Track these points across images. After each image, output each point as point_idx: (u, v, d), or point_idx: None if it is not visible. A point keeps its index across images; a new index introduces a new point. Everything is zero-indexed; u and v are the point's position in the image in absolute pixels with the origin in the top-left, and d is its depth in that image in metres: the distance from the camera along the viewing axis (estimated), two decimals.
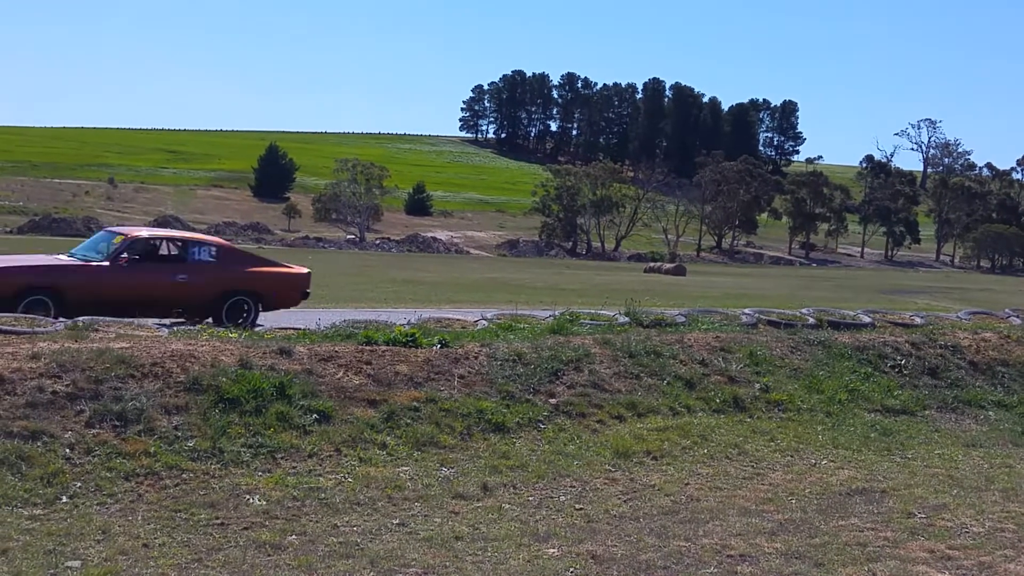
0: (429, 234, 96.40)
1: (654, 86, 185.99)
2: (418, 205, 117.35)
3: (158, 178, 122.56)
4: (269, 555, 6.86)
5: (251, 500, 7.91)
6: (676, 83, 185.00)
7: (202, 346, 10.35)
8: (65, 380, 9.00)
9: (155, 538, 6.98)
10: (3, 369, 8.94)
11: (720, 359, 12.98)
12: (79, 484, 7.77)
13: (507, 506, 8.32)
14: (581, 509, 8.37)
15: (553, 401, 11.04)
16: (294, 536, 7.27)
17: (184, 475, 8.21)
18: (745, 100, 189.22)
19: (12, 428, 8.23)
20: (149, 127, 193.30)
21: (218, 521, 7.43)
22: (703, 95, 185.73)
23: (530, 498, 8.60)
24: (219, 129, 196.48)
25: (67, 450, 8.18)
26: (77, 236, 70.42)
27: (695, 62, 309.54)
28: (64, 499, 7.52)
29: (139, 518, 7.35)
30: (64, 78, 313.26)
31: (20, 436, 8.16)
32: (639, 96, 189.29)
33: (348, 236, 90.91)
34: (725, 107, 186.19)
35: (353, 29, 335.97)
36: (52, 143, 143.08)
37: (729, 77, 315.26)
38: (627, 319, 14.55)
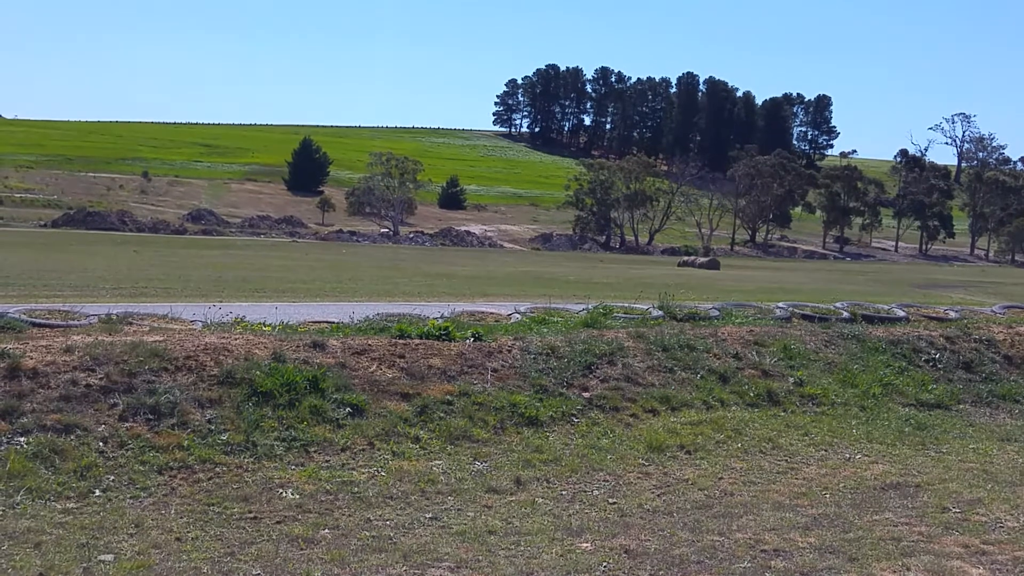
0: (463, 228, 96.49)
1: (688, 80, 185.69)
2: (451, 199, 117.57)
3: (192, 172, 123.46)
4: (302, 549, 6.85)
5: (284, 494, 7.92)
6: (710, 77, 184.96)
7: (236, 339, 10.37)
8: (99, 373, 9.04)
9: (188, 532, 6.99)
10: (37, 362, 8.99)
11: (754, 353, 12.88)
12: (112, 478, 7.81)
13: (540, 500, 8.29)
14: (614, 503, 8.31)
15: (586, 395, 10.99)
16: (327, 530, 7.26)
17: (217, 469, 8.22)
18: (779, 94, 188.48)
19: (46, 421, 8.27)
20: (184, 121, 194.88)
21: (251, 515, 7.44)
22: (737, 89, 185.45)
23: (563, 492, 8.56)
24: (253, 123, 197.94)
25: (100, 443, 8.21)
26: (111, 230, 71.29)
27: (729, 56, 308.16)
28: (97, 492, 7.55)
29: (172, 512, 7.37)
30: (99, 72, 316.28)
31: (54, 429, 8.20)
32: (673, 90, 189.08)
33: (382, 230, 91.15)
34: (759, 101, 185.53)
35: (387, 23, 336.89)
36: (87, 137, 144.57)
37: (763, 71, 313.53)
38: (661, 313, 14.47)
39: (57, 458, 7.87)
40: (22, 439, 8.01)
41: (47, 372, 8.90)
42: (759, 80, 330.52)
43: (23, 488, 7.37)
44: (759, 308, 15.87)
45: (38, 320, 10.89)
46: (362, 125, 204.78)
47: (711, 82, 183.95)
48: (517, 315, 14.22)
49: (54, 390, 8.68)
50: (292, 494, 7.93)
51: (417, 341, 11.39)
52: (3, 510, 7.02)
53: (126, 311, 12.00)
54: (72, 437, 8.18)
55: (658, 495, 8.64)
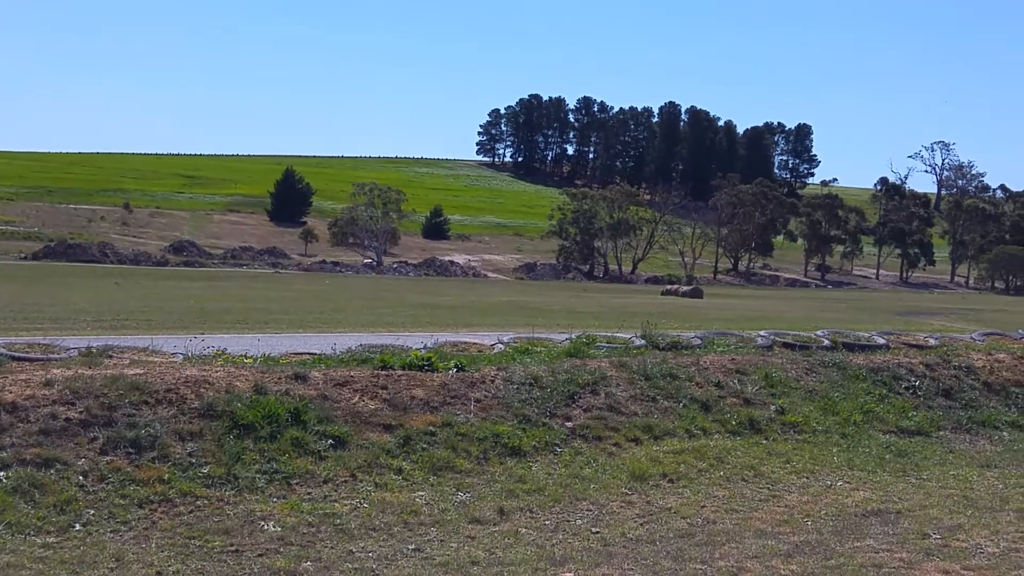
0: (446, 258, 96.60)
1: (670, 110, 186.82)
2: (435, 229, 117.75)
3: (174, 203, 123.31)
4: None
5: (266, 526, 7.89)
6: (692, 107, 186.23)
7: (217, 372, 10.35)
8: (78, 407, 8.99)
9: (169, 565, 6.96)
10: (16, 396, 8.95)
11: (736, 381, 12.94)
12: (92, 511, 7.77)
13: (524, 530, 8.28)
14: (598, 532, 8.32)
15: (569, 424, 11.01)
16: (309, 563, 7.24)
17: (198, 502, 8.19)
18: (760, 123, 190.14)
19: (25, 455, 8.23)
20: (165, 152, 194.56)
21: (232, 548, 7.41)
22: (718, 119, 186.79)
23: (547, 522, 8.56)
24: (235, 154, 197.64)
25: (80, 477, 8.17)
26: (93, 262, 70.98)
27: (710, 86, 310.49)
28: (77, 526, 7.51)
29: (153, 545, 7.33)
30: (80, 103, 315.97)
31: (33, 463, 8.16)
32: (655, 120, 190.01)
33: (365, 260, 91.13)
34: (740, 130, 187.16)
35: (370, 54, 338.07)
36: (68, 168, 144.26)
37: (744, 101, 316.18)
38: (643, 342, 14.51)
39: (37, 492, 7.82)
40: (1, 473, 7.97)
41: (27, 406, 8.85)
42: (740, 109, 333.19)
43: (3, 523, 7.33)
44: (741, 337, 15.93)
45: (17, 354, 10.84)
46: (345, 155, 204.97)
47: (693, 111, 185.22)
48: (500, 345, 14.23)
49: (34, 424, 8.63)
50: (274, 527, 7.91)
51: (400, 372, 11.39)
52: None
53: (106, 344, 11.94)
54: (52, 471, 8.14)
55: (641, 524, 8.65)
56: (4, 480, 7.88)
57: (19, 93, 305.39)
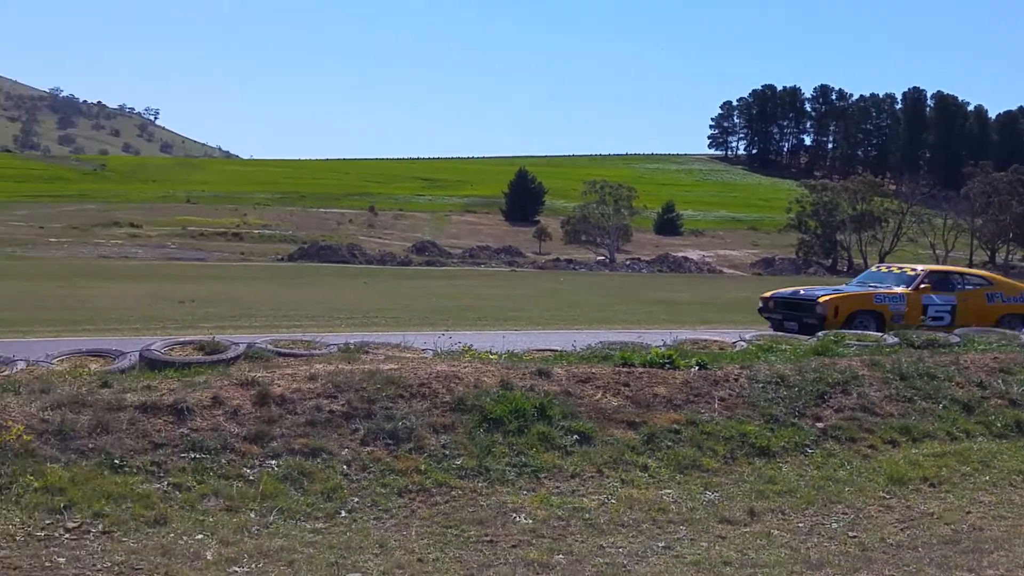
0: (680, 254, 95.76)
1: (914, 95, 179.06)
2: (667, 225, 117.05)
3: (415, 205, 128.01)
4: (538, 573, 6.92)
5: (517, 518, 8.02)
6: (938, 92, 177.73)
7: (465, 367, 10.62)
8: (340, 400, 9.44)
9: (429, 553, 7.18)
10: (284, 389, 9.48)
11: (1000, 381, 12.19)
12: (356, 499, 8.12)
13: (776, 532, 8.08)
14: (855, 537, 8.01)
15: (820, 425, 10.66)
16: (561, 555, 7.30)
17: (453, 492, 8.41)
18: (1014, 107, 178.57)
19: (294, 445, 8.70)
20: (406, 157, 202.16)
21: (487, 538, 7.57)
22: (968, 103, 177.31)
23: (800, 524, 8.31)
24: (471, 156, 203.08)
25: (344, 466, 8.56)
26: (342, 263, 74.57)
27: (957, 69, 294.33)
28: (343, 513, 7.86)
29: (413, 533, 7.59)
30: (326, 114, 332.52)
31: (301, 453, 8.61)
32: (898, 107, 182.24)
33: (598, 257, 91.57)
34: (992, 115, 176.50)
35: (600, 52, 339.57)
36: (317, 175, 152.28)
37: (995, 83, 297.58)
38: (896, 340, 13.91)
39: (305, 480, 8.24)
40: (272, 462, 8.45)
41: (293, 399, 9.36)
42: (991, 93, 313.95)
43: (275, 508, 7.76)
44: (1004, 333, 15.02)
45: (283, 350, 11.52)
46: (577, 154, 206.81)
47: (939, 96, 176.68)
48: (742, 343, 13.96)
49: (300, 416, 9.12)
50: (525, 519, 8.03)
51: (641, 369, 11.34)
52: (258, 529, 7.42)
53: (362, 340, 12.51)
54: (318, 460, 8.56)
55: (901, 529, 8.28)
56: (275, 468, 8.36)
57: (274, 107, 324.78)
